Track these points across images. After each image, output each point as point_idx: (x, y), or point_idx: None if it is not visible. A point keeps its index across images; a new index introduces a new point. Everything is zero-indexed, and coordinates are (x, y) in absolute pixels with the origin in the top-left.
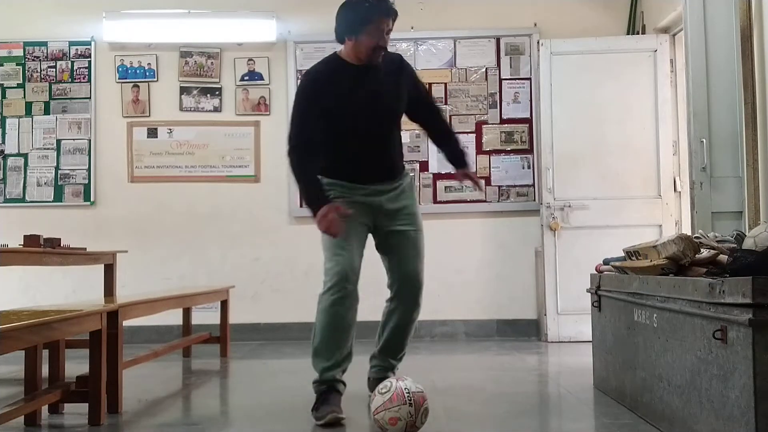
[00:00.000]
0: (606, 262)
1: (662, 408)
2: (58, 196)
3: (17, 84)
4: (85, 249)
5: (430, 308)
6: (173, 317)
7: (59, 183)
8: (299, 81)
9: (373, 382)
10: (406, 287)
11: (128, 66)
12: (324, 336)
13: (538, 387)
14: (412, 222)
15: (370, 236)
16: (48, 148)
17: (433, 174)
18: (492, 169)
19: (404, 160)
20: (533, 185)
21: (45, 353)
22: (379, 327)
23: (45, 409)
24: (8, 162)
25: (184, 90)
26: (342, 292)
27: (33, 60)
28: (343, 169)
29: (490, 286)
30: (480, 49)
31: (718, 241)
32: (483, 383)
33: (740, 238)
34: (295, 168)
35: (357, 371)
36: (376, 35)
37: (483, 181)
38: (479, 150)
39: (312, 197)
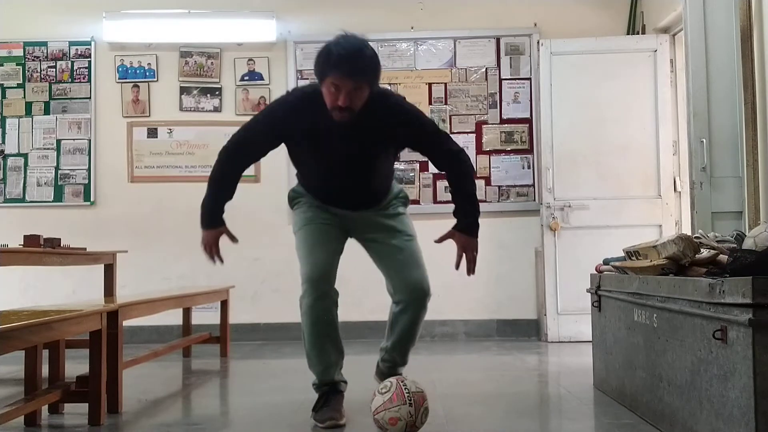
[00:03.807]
0: (606, 262)
1: (662, 408)
2: (58, 196)
3: (17, 84)
4: (85, 249)
5: (431, 308)
6: (173, 317)
7: (59, 183)
8: (282, 96)
9: (380, 376)
10: (412, 297)
11: (128, 66)
12: (311, 339)
13: (538, 387)
14: (398, 230)
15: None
16: (48, 148)
17: (433, 174)
18: (492, 169)
19: (396, 174)
20: (533, 185)
21: (45, 353)
22: (387, 326)
23: (45, 409)
24: (8, 162)
25: (184, 90)
26: (318, 292)
27: (33, 60)
28: (314, 191)
29: (490, 286)
30: (480, 49)
31: (718, 241)
32: (483, 383)
33: (740, 238)
34: (218, 170)
35: (357, 371)
36: (333, 94)
37: (473, 267)
38: (479, 150)
39: (210, 210)
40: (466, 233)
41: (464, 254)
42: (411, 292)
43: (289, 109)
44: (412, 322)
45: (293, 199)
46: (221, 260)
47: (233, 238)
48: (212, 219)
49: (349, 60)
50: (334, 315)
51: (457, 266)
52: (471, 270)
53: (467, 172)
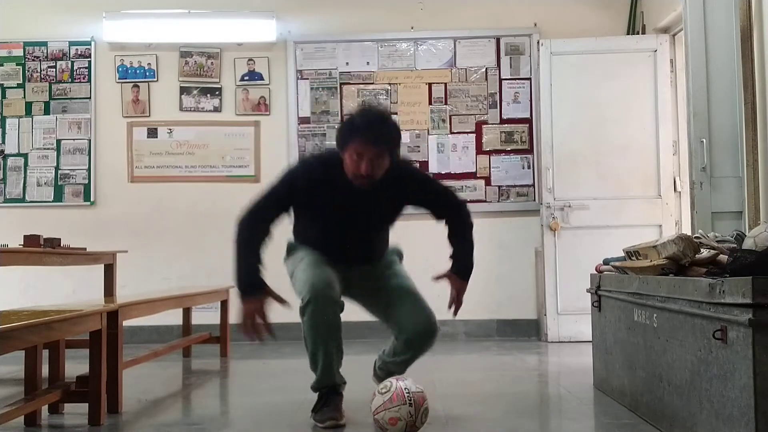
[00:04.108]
0: (606, 262)
1: (662, 408)
2: (58, 196)
3: (17, 84)
4: (85, 249)
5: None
6: (173, 317)
7: (59, 183)
8: (296, 162)
9: (378, 380)
10: (421, 335)
11: (128, 66)
12: (317, 341)
13: (538, 387)
14: (396, 274)
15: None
16: (48, 148)
17: (433, 174)
18: (492, 169)
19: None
20: (533, 185)
21: (45, 353)
22: (391, 347)
23: (45, 409)
24: (8, 162)
25: (184, 90)
26: (322, 299)
27: (33, 60)
28: (317, 246)
29: (490, 286)
30: (480, 49)
31: (718, 241)
32: (483, 383)
33: (740, 238)
34: (243, 236)
35: (357, 371)
36: (356, 161)
37: (460, 306)
38: (479, 150)
39: (247, 275)
40: (460, 277)
41: (454, 296)
42: (420, 331)
43: (308, 172)
44: (418, 355)
45: (291, 250)
46: (272, 333)
47: (282, 300)
48: (253, 283)
49: (372, 128)
50: (339, 317)
51: (450, 306)
52: (456, 313)
53: (469, 222)
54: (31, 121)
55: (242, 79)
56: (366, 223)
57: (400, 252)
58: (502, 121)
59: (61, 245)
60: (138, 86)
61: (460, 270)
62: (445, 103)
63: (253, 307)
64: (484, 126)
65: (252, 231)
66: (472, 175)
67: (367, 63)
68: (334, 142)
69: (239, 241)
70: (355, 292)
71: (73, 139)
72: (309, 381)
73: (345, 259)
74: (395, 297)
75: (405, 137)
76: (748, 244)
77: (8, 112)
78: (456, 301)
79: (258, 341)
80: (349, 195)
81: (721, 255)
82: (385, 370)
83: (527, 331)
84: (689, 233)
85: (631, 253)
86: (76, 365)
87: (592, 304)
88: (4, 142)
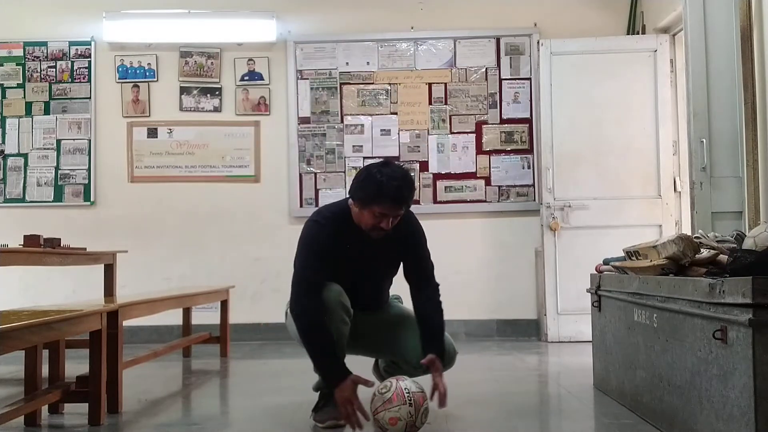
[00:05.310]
0: (606, 262)
1: (662, 408)
2: (58, 196)
3: (17, 84)
4: (85, 249)
5: None
6: (173, 317)
7: (59, 183)
8: (307, 225)
9: (378, 378)
10: (443, 362)
11: (128, 66)
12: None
13: (538, 387)
14: (400, 307)
15: None
16: (48, 148)
17: (433, 174)
18: (492, 169)
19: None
20: (533, 185)
21: (45, 353)
22: (401, 369)
23: (45, 409)
24: (8, 162)
25: (184, 90)
26: (333, 303)
27: (33, 60)
28: None
29: (490, 286)
30: (480, 49)
31: (718, 241)
32: (483, 383)
33: (740, 238)
34: (310, 324)
35: (357, 371)
36: (378, 217)
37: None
38: (479, 150)
39: (331, 361)
40: (436, 358)
41: (440, 384)
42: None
43: (329, 236)
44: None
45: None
46: (366, 415)
47: (368, 383)
48: (339, 369)
49: (401, 193)
50: (347, 321)
51: (435, 397)
52: (445, 403)
53: (438, 300)
54: (31, 121)
55: (242, 79)
56: (377, 271)
57: (399, 297)
58: (502, 121)
59: (61, 245)
60: (138, 86)
61: (439, 352)
62: (445, 103)
63: (347, 392)
64: (484, 126)
65: (315, 313)
66: (472, 175)
67: (367, 63)
68: (351, 192)
69: (308, 331)
70: (363, 336)
71: (73, 139)
72: (309, 381)
73: (357, 307)
74: (410, 326)
75: (405, 137)
76: (748, 244)
77: (8, 112)
78: (444, 390)
79: (358, 427)
80: (363, 245)
81: (721, 255)
82: (390, 374)
83: (527, 331)
84: (689, 233)
85: (631, 253)
86: (76, 365)
87: (592, 304)
88: (4, 142)
